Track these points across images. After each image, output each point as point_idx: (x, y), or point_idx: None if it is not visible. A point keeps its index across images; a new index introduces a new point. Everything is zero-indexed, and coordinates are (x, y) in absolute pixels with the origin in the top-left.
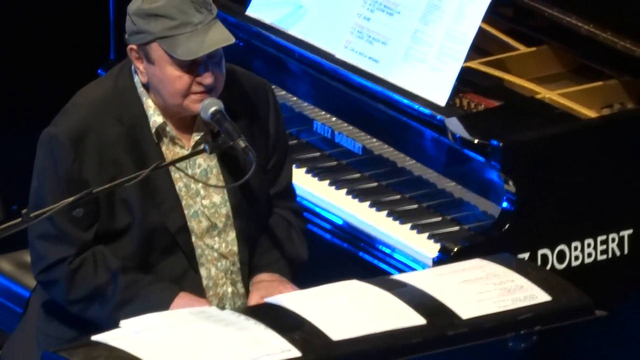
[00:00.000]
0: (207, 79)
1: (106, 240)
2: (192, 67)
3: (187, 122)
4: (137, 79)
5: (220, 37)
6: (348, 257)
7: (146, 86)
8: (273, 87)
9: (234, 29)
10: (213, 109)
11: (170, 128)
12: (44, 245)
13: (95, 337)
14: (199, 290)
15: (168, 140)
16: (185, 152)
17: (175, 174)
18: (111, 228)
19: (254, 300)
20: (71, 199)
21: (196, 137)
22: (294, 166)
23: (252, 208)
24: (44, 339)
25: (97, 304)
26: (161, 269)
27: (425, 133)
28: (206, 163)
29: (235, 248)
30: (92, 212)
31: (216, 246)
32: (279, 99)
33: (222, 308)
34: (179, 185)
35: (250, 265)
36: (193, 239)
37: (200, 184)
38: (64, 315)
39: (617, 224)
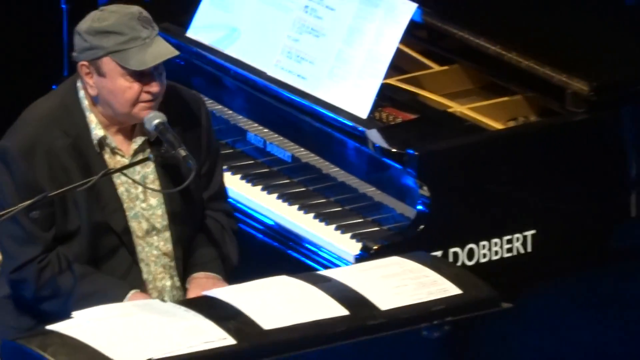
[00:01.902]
0: (155, 87)
1: (61, 241)
2: (141, 78)
3: (126, 133)
4: (82, 95)
5: (166, 49)
6: (278, 255)
7: (92, 101)
8: (211, 101)
9: (178, 49)
10: (157, 121)
11: (110, 140)
12: (13, 248)
13: (49, 327)
14: (140, 285)
15: (109, 150)
16: (125, 160)
17: (117, 180)
18: (64, 229)
19: (192, 295)
20: (28, 202)
21: (134, 146)
22: (229, 173)
23: (187, 210)
24: (3, 330)
25: (61, 300)
26: (107, 266)
27: (348, 143)
28: (144, 170)
29: (171, 246)
30: (50, 215)
31: (155, 244)
32: (216, 112)
33: (162, 301)
34: (121, 189)
35: (185, 262)
36: (134, 238)
37: (140, 189)
38: (22, 307)
39: (521, 225)
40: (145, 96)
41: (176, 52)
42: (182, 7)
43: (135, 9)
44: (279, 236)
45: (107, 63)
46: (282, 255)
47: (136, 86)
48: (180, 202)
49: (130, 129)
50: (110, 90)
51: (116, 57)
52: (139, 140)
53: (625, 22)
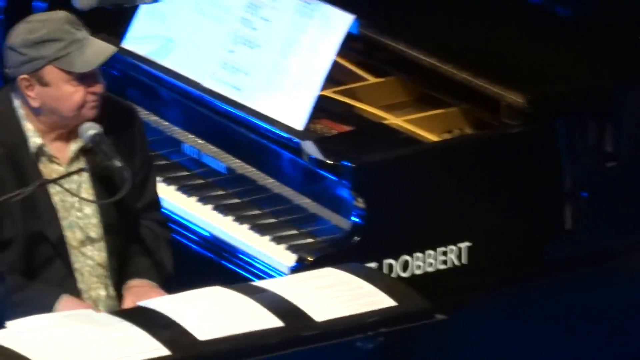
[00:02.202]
0: (99, 87)
1: None
2: (85, 80)
3: (63, 140)
4: (17, 105)
5: (105, 47)
6: (213, 265)
7: (29, 111)
8: (146, 112)
9: (111, 60)
10: (92, 132)
11: (47, 148)
12: None
13: None
14: (75, 294)
15: (46, 159)
16: (61, 168)
17: (52, 189)
18: (0, 238)
19: (127, 304)
20: None
21: (70, 154)
22: (164, 184)
23: (121, 220)
24: None
25: None
26: (42, 275)
27: (283, 154)
28: (79, 179)
29: (106, 256)
30: None
31: (89, 254)
32: (152, 123)
33: (98, 298)
34: (55, 199)
35: (120, 271)
36: (69, 248)
37: (75, 198)
38: None
39: (455, 237)
40: (91, 97)
41: (115, 48)
42: (117, 18)
43: (62, 13)
44: (213, 247)
45: (50, 72)
46: (217, 266)
47: (82, 89)
48: (115, 212)
49: (67, 136)
50: (56, 97)
51: (59, 64)
52: (74, 147)
53: (560, 35)
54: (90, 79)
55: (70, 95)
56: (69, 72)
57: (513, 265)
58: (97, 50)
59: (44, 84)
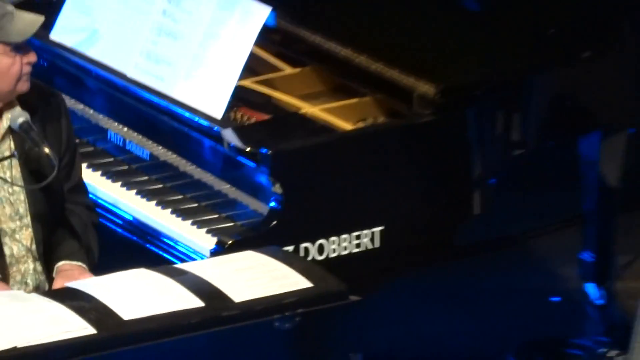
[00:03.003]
0: (32, 56)
1: None
2: (20, 50)
3: None
4: None
5: (35, 18)
6: (137, 248)
7: None
8: (73, 101)
9: (39, 51)
10: (21, 119)
11: None
12: None
13: None
14: (3, 267)
15: None
16: None
17: None
18: None
19: (56, 285)
20: None
21: (2, 130)
22: (90, 170)
23: (48, 201)
24: None
25: None
26: None
27: (204, 142)
28: (8, 162)
29: (32, 233)
30: None
31: (17, 229)
32: (78, 112)
33: (25, 283)
34: None
35: (46, 249)
36: (0, 218)
37: (5, 174)
38: None
39: (369, 221)
40: (26, 68)
41: (42, 18)
42: (45, 9)
43: None
44: (138, 231)
45: None
46: (141, 249)
47: (18, 59)
48: (42, 196)
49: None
50: None
51: None
52: (5, 124)
53: (470, 27)
54: (24, 49)
55: (9, 67)
56: (6, 44)
57: (424, 248)
58: (28, 21)
59: None
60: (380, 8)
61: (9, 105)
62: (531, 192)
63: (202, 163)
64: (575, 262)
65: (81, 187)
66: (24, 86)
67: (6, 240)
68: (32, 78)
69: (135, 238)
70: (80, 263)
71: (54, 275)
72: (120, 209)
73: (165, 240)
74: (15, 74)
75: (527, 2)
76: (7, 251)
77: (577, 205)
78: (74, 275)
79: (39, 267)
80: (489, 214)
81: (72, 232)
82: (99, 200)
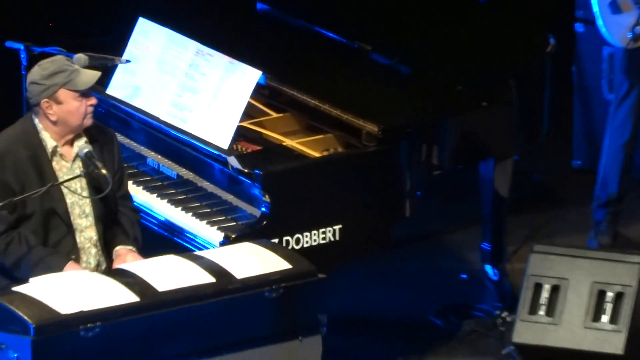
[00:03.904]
0: (93, 99)
1: (21, 221)
2: (84, 96)
3: (68, 144)
4: (37, 122)
5: (94, 73)
6: (167, 241)
7: (46, 124)
8: (122, 137)
9: (99, 101)
10: (86, 150)
11: (59, 148)
12: None
13: (14, 288)
14: (74, 251)
15: (57, 157)
16: (68, 164)
17: (60, 179)
18: (24, 213)
19: (115, 264)
20: (0, 203)
21: (73, 154)
22: (134, 185)
23: (105, 204)
24: None
25: (22, 267)
26: (52, 238)
27: (215, 165)
28: (78, 180)
29: (94, 227)
30: (13, 205)
31: (84, 224)
32: (126, 144)
33: (89, 264)
34: (62, 186)
35: (106, 239)
36: (72, 218)
37: (77, 186)
38: None
39: (331, 221)
40: (89, 109)
41: (99, 73)
42: (103, 73)
43: (60, 56)
44: (167, 228)
45: (62, 93)
46: (170, 241)
47: (84, 102)
48: (101, 202)
49: (71, 140)
50: (67, 111)
51: (67, 86)
52: (76, 149)
53: (403, 85)
54: (88, 95)
55: (77, 108)
56: (75, 91)
57: (370, 240)
58: (90, 75)
59: (59, 102)
60: (340, 72)
61: (77, 137)
62: (446, 200)
63: (213, 180)
64: (478, 250)
65: (128, 196)
66: (88, 122)
67: (77, 233)
68: (94, 119)
69: (166, 233)
70: (131, 247)
71: (113, 257)
72: (155, 212)
73: (187, 235)
74: (82, 113)
75: (441, 68)
76: (78, 238)
77: (478, 210)
78: (129, 255)
79: (100, 253)
80: (416, 216)
81: (123, 227)
82: (141, 206)
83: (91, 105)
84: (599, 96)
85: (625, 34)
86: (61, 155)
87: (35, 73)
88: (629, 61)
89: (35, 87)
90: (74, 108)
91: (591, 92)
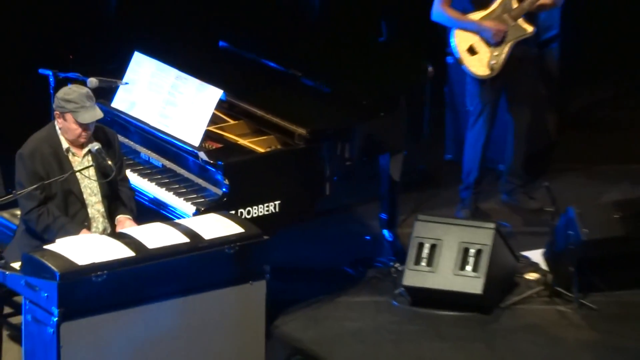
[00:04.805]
0: (88, 132)
1: (47, 199)
2: (82, 126)
3: (77, 147)
4: (58, 127)
5: (98, 113)
6: (155, 213)
7: (62, 130)
8: (122, 137)
9: (105, 112)
10: (96, 147)
11: (71, 148)
12: (24, 204)
13: (45, 247)
14: (87, 220)
15: (71, 154)
16: (79, 159)
17: (75, 169)
18: (49, 193)
19: (117, 229)
20: (33, 186)
21: (83, 153)
22: (131, 172)
23: (109, 185)
24: (23, 248)
25: (49, 232)
26: (70, 211)
27: (189, 158)
28: (88, 170)
29: (101, 203)
30: (42, 187)
31: (93, 201)
32: (125, 143)
33: (98, 228)
34: (78, 174)
35: (110, 211)
36: (84, 196)
37: (89, 173)
38: (31, 236)
39: (272, 198)
40: (83, 134)
41: (102, 115)
42: (109, 91)
43: (85, 89)
44: (155, 203)
45: (68, 115)
46: (156, 213)
47: (80, 128)
48: (106, 184)
49: (81, 145)
50: (68, 128)
51: (73, 114)
52: (84, 150)
53: (324, 100)
54: (85, 126)
55: (75, 130)
56: (76, 120)
57: (300, 212)
58: (93, 114)
59: (64, 120)
60: (278, 90)
61: (89, 140)
62: (355, 183)
63: (188, 168)
64: (377, 219)
65: (126, 179)
66: (82, 140)
67: (89, 208)
68: (100, 125)
69: (153, 207)
70: (129, 216)
71: (115, 224)
72: (146, 191)
73: (169, 208)
74: (77, 134)
75: (352, 88)
76: (90, 211)
77: (378, 189)
78: (126, 223)
79: (106, 222)
80: (334, 194)
81: (123, 201)
82: (135, 187)
83: (86, 132)
84: (464, 109)
85: (484, 68)
86: (73, 153)
87: (62, 91)
88: (481, 86)
89: (57, 100)
90: (72, 129)
91: (458, 105)
